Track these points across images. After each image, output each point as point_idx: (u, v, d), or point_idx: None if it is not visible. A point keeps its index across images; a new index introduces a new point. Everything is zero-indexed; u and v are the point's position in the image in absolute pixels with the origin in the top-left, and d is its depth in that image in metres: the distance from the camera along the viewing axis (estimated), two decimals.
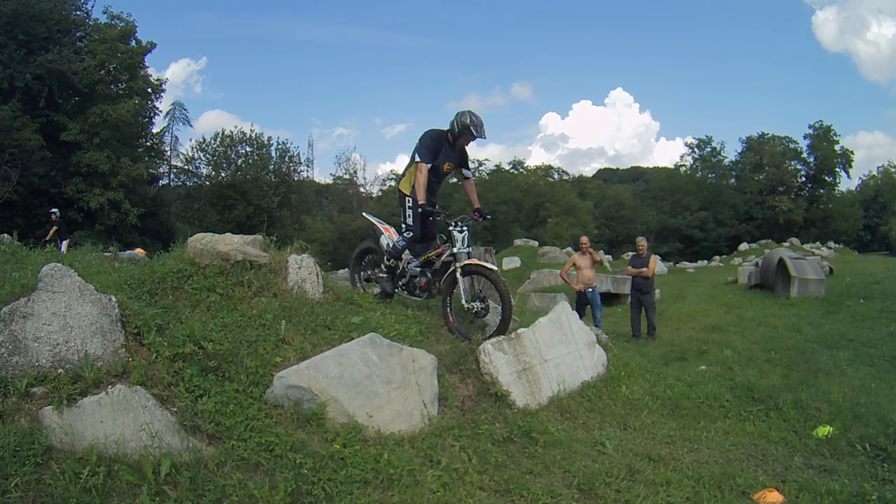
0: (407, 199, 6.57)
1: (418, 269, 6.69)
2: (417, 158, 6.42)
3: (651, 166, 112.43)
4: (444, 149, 6.56)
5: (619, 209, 69.51)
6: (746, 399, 6.25)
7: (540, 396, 5.72)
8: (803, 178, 71.23)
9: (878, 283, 18.89)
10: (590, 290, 11.97)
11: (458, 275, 6.12)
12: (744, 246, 49.11)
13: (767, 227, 64.61)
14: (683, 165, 75.68)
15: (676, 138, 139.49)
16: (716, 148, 73.60)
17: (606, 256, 36.81)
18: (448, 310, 6.32)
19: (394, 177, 52.56)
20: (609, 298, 18.13)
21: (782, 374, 8.19)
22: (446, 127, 6.57)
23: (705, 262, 45.59)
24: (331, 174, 72.52)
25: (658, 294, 15.52)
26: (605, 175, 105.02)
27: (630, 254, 16.45)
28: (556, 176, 69.20)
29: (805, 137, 70.39)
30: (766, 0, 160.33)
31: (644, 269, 12.29)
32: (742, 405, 6.11)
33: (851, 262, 36.32)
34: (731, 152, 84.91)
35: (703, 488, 4.33)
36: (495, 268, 6.13)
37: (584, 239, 12.67)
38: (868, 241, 71.42)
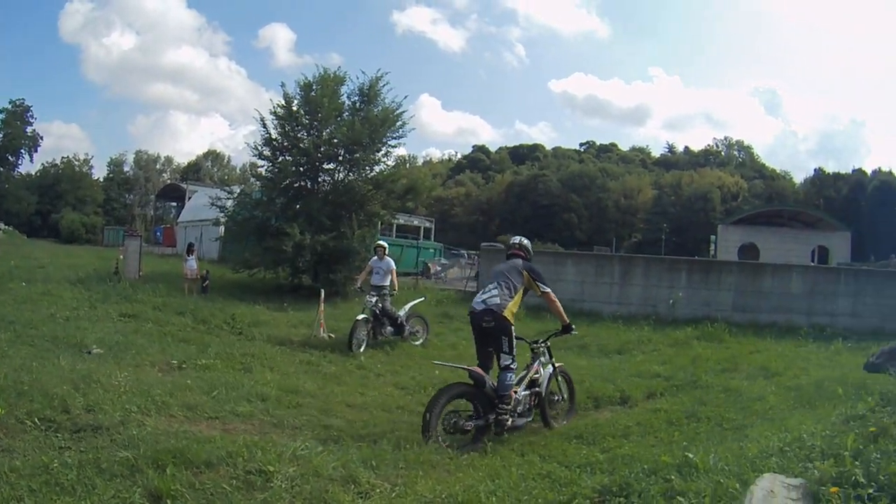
0: (512, 327, 6.50)
1: (526, 392, 6.69)
2: (545, 288, 6.67)
3: None
4: None
5: None
6: None
7: None
8: None
9: (43, 267, 19.88)
10: None
11: (557, 377, 7.14)
12: None
13: None
14: None
15: None
16: None
17: None
18: (547, 411, 6.93)
19: None
20: None
21: None
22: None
23: None
24: None
25: None
26: None
27: None
28: None
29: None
30: None
31: None
32: None
33: (19, 245, 36.40)
34: None
35: None
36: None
37: None
38: (38, 227, 72.15)
